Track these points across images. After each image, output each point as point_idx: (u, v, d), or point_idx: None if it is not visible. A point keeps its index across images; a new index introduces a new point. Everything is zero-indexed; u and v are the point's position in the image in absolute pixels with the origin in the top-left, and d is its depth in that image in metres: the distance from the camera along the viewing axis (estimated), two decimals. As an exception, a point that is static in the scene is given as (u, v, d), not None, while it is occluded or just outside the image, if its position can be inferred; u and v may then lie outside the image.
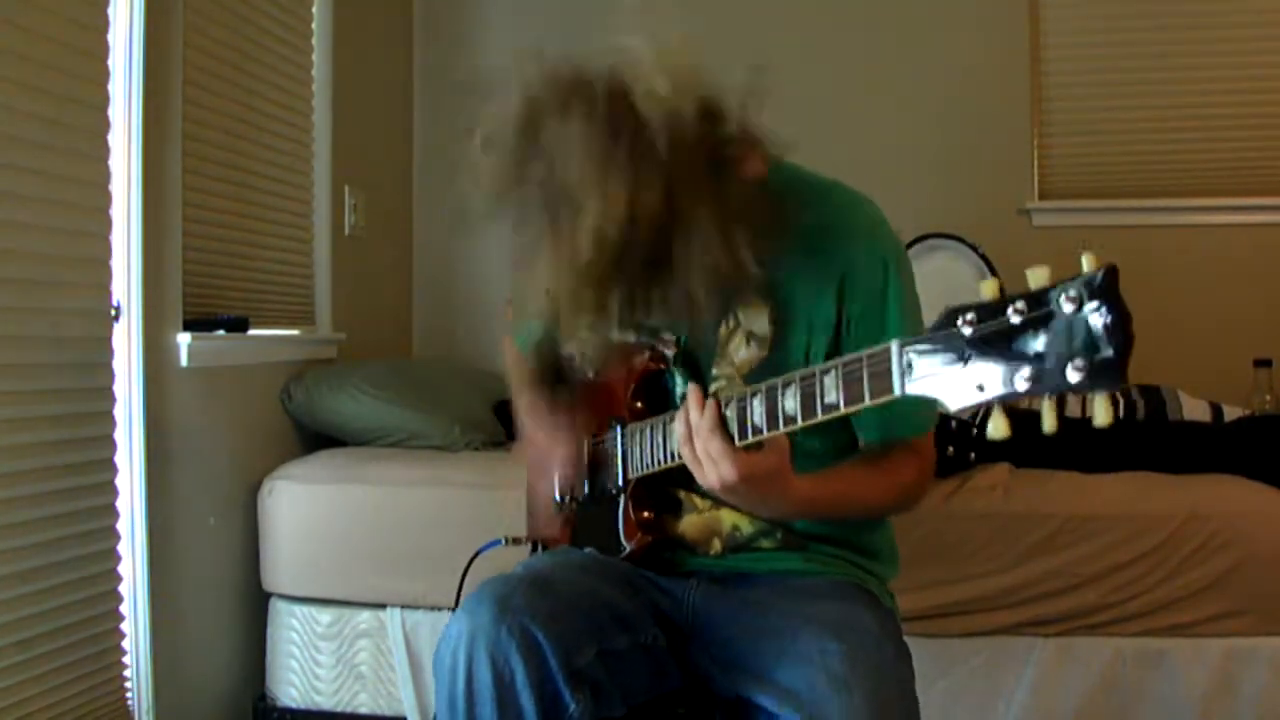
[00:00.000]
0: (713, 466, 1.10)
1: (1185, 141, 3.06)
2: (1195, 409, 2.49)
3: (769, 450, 1.09)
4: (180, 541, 2.16)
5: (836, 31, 3.09)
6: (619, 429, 1.37)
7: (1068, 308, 0.77)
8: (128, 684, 2.03)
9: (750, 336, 1.32)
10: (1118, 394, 2.50)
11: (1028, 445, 2.26)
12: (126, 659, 2.02)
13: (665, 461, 1.26)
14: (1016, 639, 2.04)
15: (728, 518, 1.36)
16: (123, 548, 2.00)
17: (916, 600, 1.98)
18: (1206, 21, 3.04)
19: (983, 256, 2.70)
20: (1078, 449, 2.22)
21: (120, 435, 1.99)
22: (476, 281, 3.34)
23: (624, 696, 1.23)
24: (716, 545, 1.37)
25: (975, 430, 2.18)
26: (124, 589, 2.01)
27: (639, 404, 1.37)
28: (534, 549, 1.57)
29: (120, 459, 1.99)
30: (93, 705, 1.93)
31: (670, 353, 1.37)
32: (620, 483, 1.36)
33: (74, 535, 1.87)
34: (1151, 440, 2.25)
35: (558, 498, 1.51)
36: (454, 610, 1.54)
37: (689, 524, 1.38)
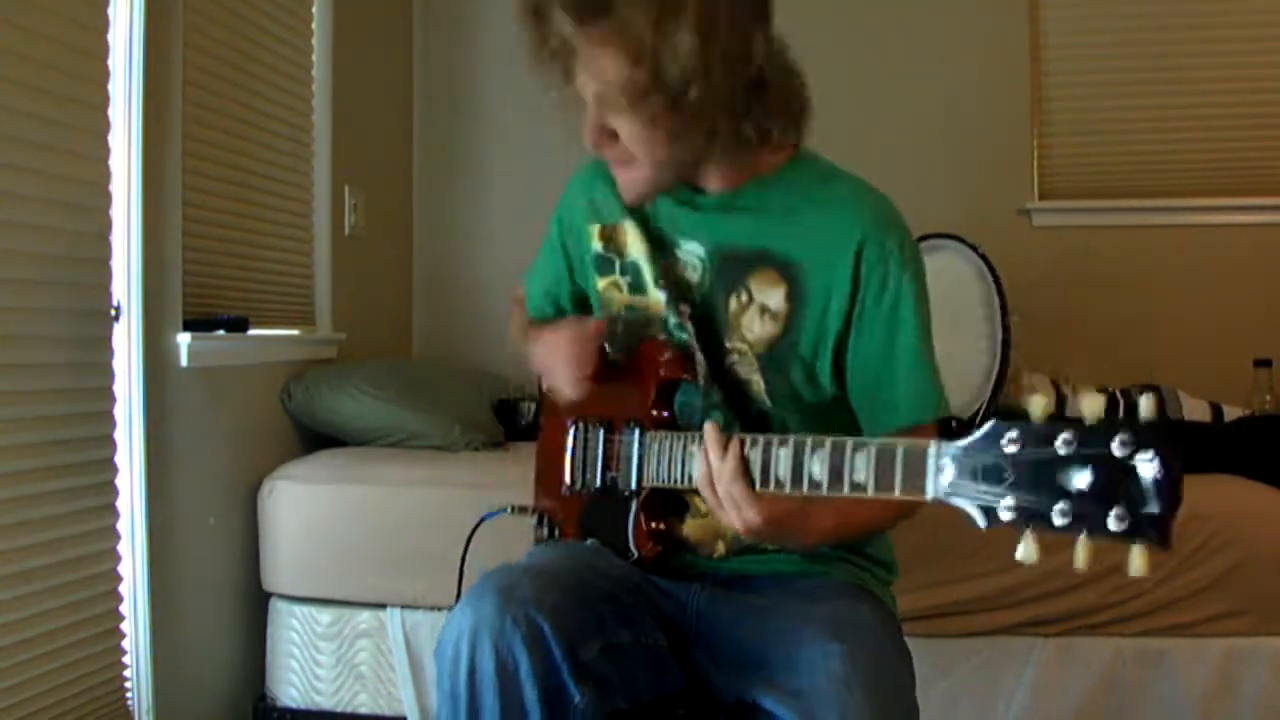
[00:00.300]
0: (736, 510, 1.11)
1: (1185, 141, 3.07)
2: (1195, 409, 2.49)
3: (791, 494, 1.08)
4: (180, 541, 2.16)
5: (836, 32, 3.09)
6: (638, 432, 1.34)
7: (1120, 452, 0.76)
8: (128, 684, 2.03)
9: (764, 311, 1.31)
10: (1117, 393, 2.51)
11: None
12: (126, 659, 2.02)
13: (683, 483, 1.26)
14: (1016, 639, 2.04)
15: None
16: (123, 548, 2.00)
17: (916, 600, 1.98)
18: (1206, 21, 3.04)
19: (983, 257, 2.70)
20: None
21: (120, 435, 1.99)
22: (476, 281, 3.34)
23: (626, 692, 1.22)
24: (720, 547, 1.37)
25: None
26: (124, 589, 2.01)
27: (659, 412, 1.35)
28: (539, 520, 1.54)
29: (120, 459, 1.99)
30: (93, 705, 1.93)
31: (689, 331, 1.34)
32: (634, 487, 1.33)
33: (74, 535, 1.87)
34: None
35: (567, 483, 1.49)
36: (457, 593, 1.54)
37: (692, 527, 1.38)
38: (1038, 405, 0.82)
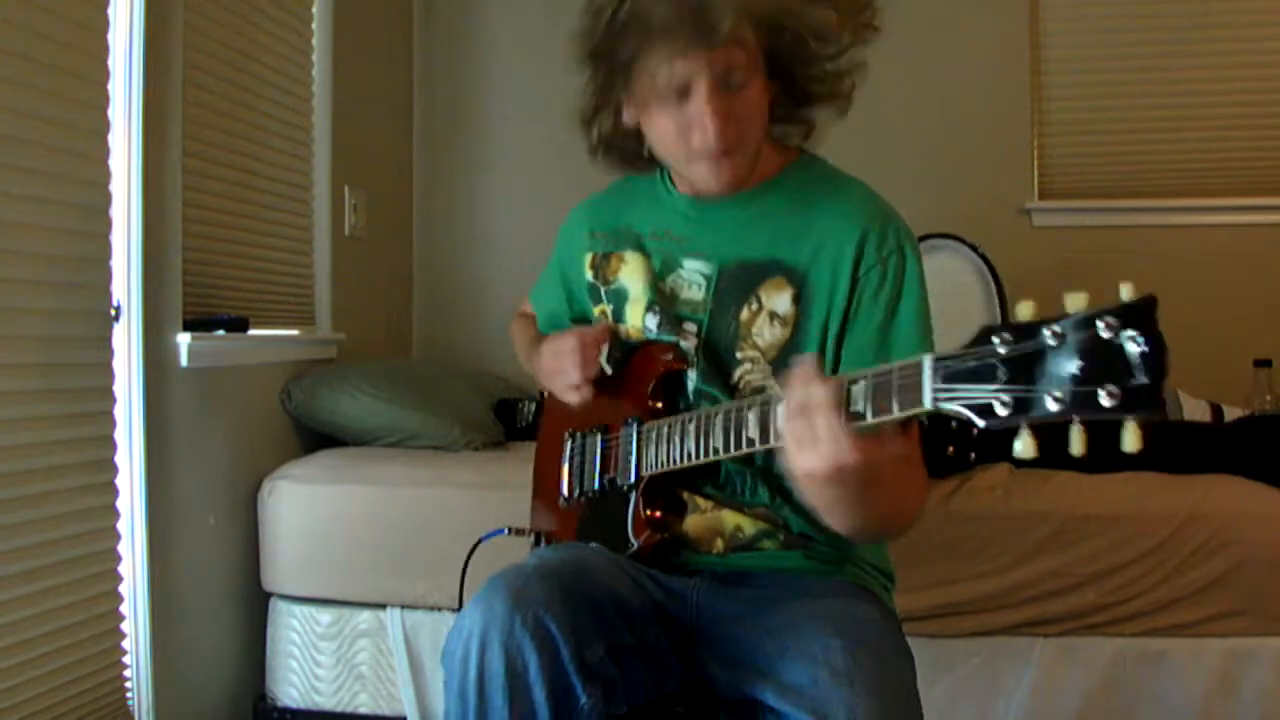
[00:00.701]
0: (833, 446, 0.98)
1: (1185, 141, 3.06)
2: (1195, 409, 2.49)
3: (885, 439, 1.00)
4: (180, 541, 2.16)
5: (836, 31, 3.09)
6: (635, 425, 1.37)
7: (1105, 334, 0.77)
8: (128, 684, 2.03)
9: (774, 317, 1.32)
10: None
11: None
12: (126, 659, 2.02)
13: (682, 460, 1.26)
14: (1016, 639, 2.04)
15: (730, 519, 1.37)
16: (123, 548, 2.00)
17: (916, 600, 1.98)
18: (1206, 21, 3.04)
19: (982, 256, 2.70)
20: (1078, 449, 2.22)
21: (120, 435, 1.99)
22: (476, 282, 3.34)
23: (628, 694, 1.23)
24: (719, 545, 1.37)
25: (975, 430, 2.18)
26: (124, 589, 2.01)
27: (657, 404, 1.37)
28: (536, 541, 1.56)
29: (120, 459, 1.99)
30: (93, 705, 1.93)
31: (690, 345, 1.37)
32: (633, 479, 1.35)
33: (74, 535, 1.87)
34: (1151, 440, 2.25)
35: (564, 494, 1.50)
36: (458, 603, 1.55)
37: (692, 524, 1.38)
38: (1025, 309, 0.83)
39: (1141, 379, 0.75)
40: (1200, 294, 2.99)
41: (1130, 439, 0.76)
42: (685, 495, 1.38)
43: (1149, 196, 3.05)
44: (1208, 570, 1.98)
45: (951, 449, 2.13)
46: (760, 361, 1.33)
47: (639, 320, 1.42)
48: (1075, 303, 0.80)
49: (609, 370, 1.41)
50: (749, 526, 1.36)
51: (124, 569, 2.01)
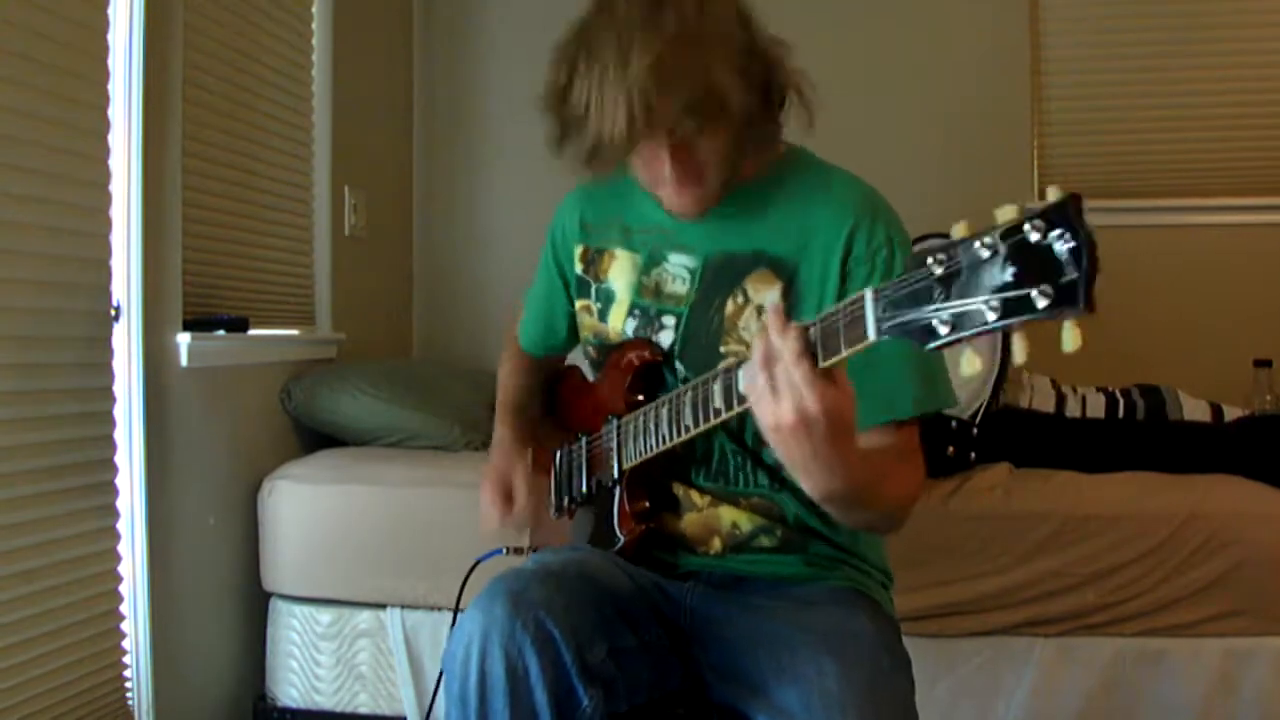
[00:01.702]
0: (794, 395, 0.97)
1: (1185, 141, 3.06)
2: (1195, 409, 2.49)
3: (843, 388, 0.99)
4: (180, 541, 2.16)
5: (836, 31, 3.09)
6: (615, 422, 1.37)
7: (1034, 237, 0.77)
8: (128, 684, 2.03)
9: (761, 311, 1.32)
10: (1116, 393, 2.51)
11: (1028, 445, 2.26)
12: (126, 659, 2.02)
13: (659, 444, 1.26)
14: (1016, 639, 2.04)
15: (727, 515, 1.36)
16: (123, 548, 2.00)
17: (917, 600, 1.98)
18: (1206, 21, 3.03)
19: (983, 256, 2.69)
20: (1078, 449, 2.22)
21: (120, 435, 1.99)
22: (476, 281, 3.34)
23: (631, 693, 1.23)
24: (716, 544, 1.37)
25: (975, 430, 2.18)
26: (124, 589, 2.01)
27: (636, 397, 1.37)
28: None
29: (120, 459, 1.99)
30: (93, 705, 1.93)
31: (667, 339, 1.37)
32: (615, 474, 1.36)
33: (74, 535, 1.87)
34: (1151, 440, 2.25)
35: (553, 505, 1.51)
36: (454, 618, 1.55)
37: (689, 522, 1.38)
38: (960, 228, 0.83)
39: (1072, 274, 0.74)
40: (1200, 294, 2.99)
41: (1069, 338, 0.76)
42: (681, 491, 1.38)
43: (1149, 196, 3.05)
44: (1208, 570, 1.98)
45: (951, 449, 2.12)
46: (746, 356, 1.32)
47: (620, 324, 1.42)
48: (1005, 214, 0.80)
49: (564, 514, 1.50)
50: (746, 522, 1.36)
51: (124, 569, 2.01)
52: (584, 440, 1.46)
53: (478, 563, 1.58)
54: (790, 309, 1.30)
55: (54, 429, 1.83)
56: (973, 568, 2.04)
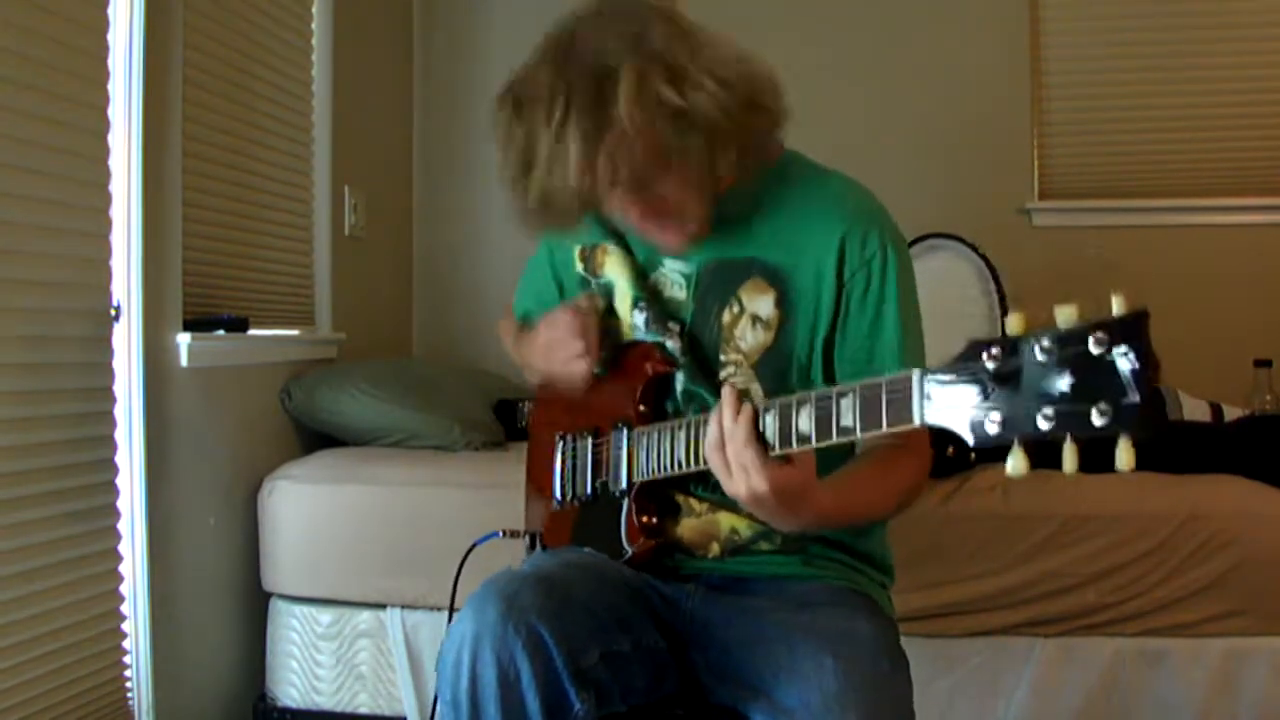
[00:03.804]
0: (744, 476, 1.08)
1: (1185, 141, 3.07)
2: (1195, 409, 2.49)
3: (798, 465, 1.08)
4: (180, 541, 2.16)
5: (836, 31, 3.09)
6: (625, 431, 1.36)
7: (1096, 350, 0.75)
8: (128, 684, 2.03)
9: (756, 320, 1.32)
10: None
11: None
12: (127, 659, 2.02)
13: (673, 469, 1.26)
14: (1016, 639, 2.04)
15: (725, 521, 1.36)
16: (123, 548, 2.00)
17: (916, 600, 1.98)
18: (1206, 21, 3.04)
19: (982, 256, 2.70)
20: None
21: (120, 435, 1.99)
22: (476, 281, 3.34)
23: (625, 697, 1.22)
24: (715, 548, 1.37)
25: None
26: (124, 589, 2.01)
27: (645, 407, 1.36)
28: (531, 542, 1.56)
29: (120, 459, 1.99)
30: (93, 705, 1.93)
31: (676, 345, 1.36)
32: (625, 485, 1.35)
33: (74, 535, 1.87)
34: (1152, 440, 2.25)
35: (558, 498, 1.50)
36: (450, 606, 1.55)
37: (687, 527, 1.38)
38: (1015, 322, 0.82)
39: (1134, 397, 0.74)
40: (1200, 294, 2.99)
41: (1124, 457, 0.75)
42: (680, 498, 1.37)
43: (1149, 196, 3.05)
44: (1208, 570, 1.98)
45: (951, 449, 2.13)
46: (743, 365, 1.33)
47: (627, 315, 1.41)
48: (1065, 317, 0.78)
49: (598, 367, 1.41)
50: (745, 528, 1.35)
51: (124, 569, 2.01)
52: (589, 440, 1.44)
53: (474, 546, 1.57)
54: (783, 319, 1.31)
55: (54, 429, 1.83)
56: (973, 568, 2.04)
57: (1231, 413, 2.47)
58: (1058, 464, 2.08)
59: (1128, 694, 2.00)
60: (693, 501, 1.37)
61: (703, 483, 1.36)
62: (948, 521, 2.06)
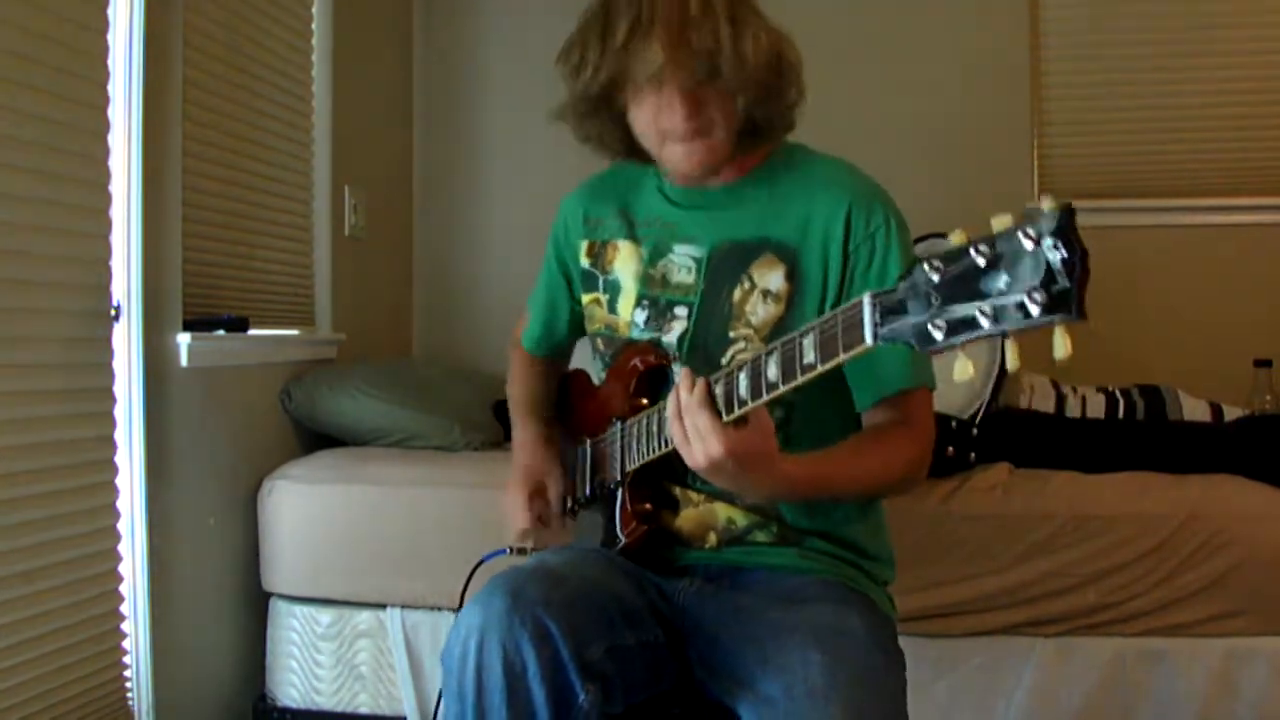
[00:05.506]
0: (700, 442, 1.10)
1: (1185, 141, 3.06)
2: (1195, 409, 2.49)
3: (754, 428, 1.10)
4: (180, 541, 2.16)
5: (836, 31, 3.08)
6: (619, 425, 1.38)
7: (1028, 245, 0.78)
8: (128, 684, 2.03)
9: (766, 294, 1.34)
10: (1116, 393, 2.51)
11: (1027, 445, 2.26)
12: (127, 659, 2.02)
13: (659, 448, 1.27)
14: (1016, 639, 2.04)
15: (722, 511, 1.37)
16: (123, 548, 2.00)
17: (916, 600, 1.98)
18: (1206, 22, 3.03)
19: (983, 256, 2.69)
20: (1078, 449, 2.22)
21: (120, 435, 1.99)
22: (476, 281, 3.34)
23: (628, 691, 1.23)
24: (712, 539, 1.38)
25: (975, 430, 2.18)
26: (124, 589, 2.01)
27: (642, 400, 1.38)
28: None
29: (120, 459, 1.99)
30: (93, 705, 1.93)
31: (672, 338, 1.38)
32: (619, 475, 1.36)
33: (74, 535, 1.87)
34: (1151, 440, 2.25)
35: (557, 508, 1.52)
36: (456, 614, 1.55)
37: (685, 518, 1.39)
38: (955, 235, 0.85)
39: (1064, 283, 0.76)
40: (1200, 294, 2.99)
41: (1059, 345, 0.78)
42: (678, 491, 1.38)
43: (1149, 196, 3.05)
44: (1208, 570, 1.98)
45: (951, 449, 2.13)
46: (754, 339, 1.34)
47: (629, 314, 1.43)
48: (1001, 223, 0.82)
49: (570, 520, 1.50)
50: (741, 518, 1.36)
51: (124, 569, 2.01)
52: (588, 443, 1.46)
53: (481, 562, 1.57)
54: (793, 292, 1.33)
55: (54, 429, 1.83)
56: (973, 568, 2.04)
57: (1231, 413, 2.47)
58: (1058, 464, 2.09)
59: (1128, 694, 2.00)
60: (690, 493, 1.38)
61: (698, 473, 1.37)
62: (948, 521, 2.06)
